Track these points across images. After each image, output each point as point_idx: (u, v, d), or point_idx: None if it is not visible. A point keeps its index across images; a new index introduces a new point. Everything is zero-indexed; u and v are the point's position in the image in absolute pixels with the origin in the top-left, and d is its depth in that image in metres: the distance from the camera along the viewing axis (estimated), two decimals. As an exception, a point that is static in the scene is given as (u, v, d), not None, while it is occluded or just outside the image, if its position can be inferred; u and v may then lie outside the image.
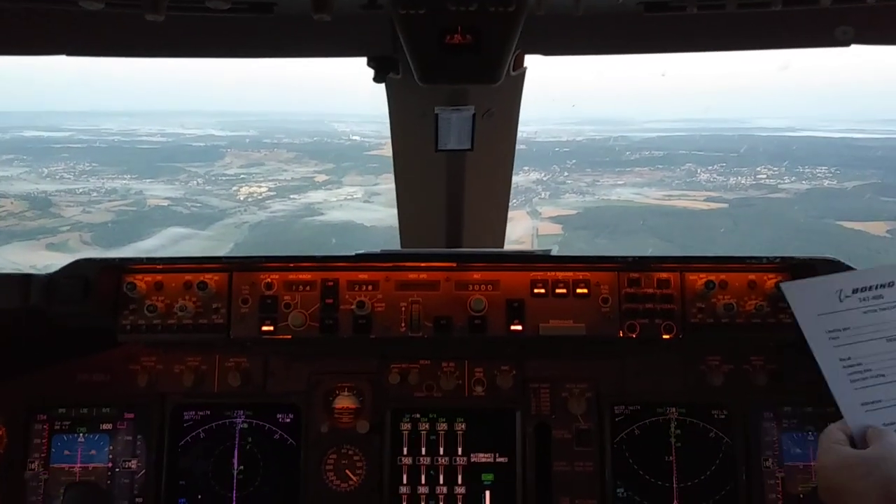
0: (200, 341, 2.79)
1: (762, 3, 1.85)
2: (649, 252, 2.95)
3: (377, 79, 2.59)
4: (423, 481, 2.84)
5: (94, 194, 31.82)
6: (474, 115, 2.75)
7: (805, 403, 2.91)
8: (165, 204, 31.02)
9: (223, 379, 2.88)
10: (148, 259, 2.79)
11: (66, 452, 2.84)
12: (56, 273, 2.73)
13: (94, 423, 2.87)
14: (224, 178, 35.22)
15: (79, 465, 2.83)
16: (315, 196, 33.27)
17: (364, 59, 2.64)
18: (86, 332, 2.83)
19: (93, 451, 2.84)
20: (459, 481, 2.85)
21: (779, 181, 31.46)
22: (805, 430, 2.92)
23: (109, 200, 31.18)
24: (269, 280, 2.79)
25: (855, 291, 1.97)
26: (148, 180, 34.37)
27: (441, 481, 2.84)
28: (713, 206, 29.87)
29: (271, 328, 2.74)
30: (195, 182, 34.49)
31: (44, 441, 2.85)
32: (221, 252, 3.16)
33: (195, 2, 1.81)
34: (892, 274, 1.99)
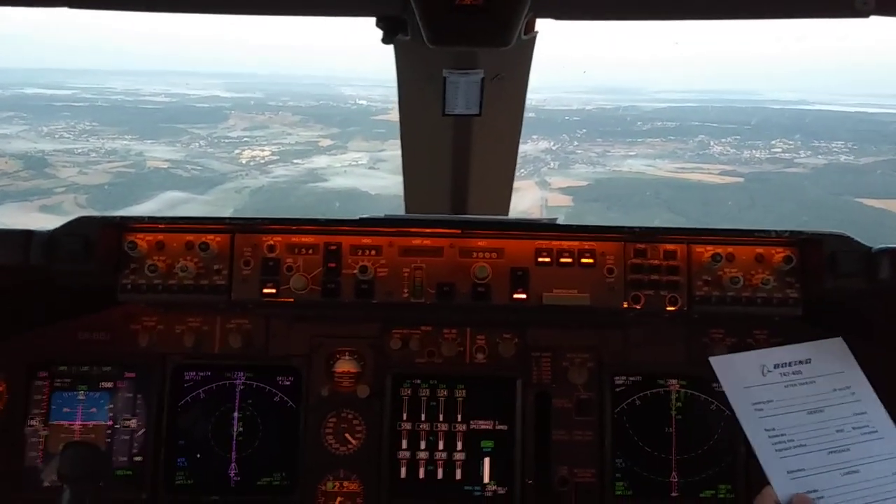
0: (201, 302, 2.83)
1: None
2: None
3: (385, 40, 2.56)
4: (422, 447, 2.91)
5: (93, 155, 31.68)
6: (483, 79, 2.73)
7: None
8: (165, 166, 30.88)
9: (224, 340, 2.93)
10: (149, 218, 2.81)
11: (66, 410, 2.92)
12: (57, 230, 2.75)
13: (95, 381, 2.94)
14: (227, 140, 35.05)
15: (79, 422, 2.91)
16: (319, 161, 33.10)
17: (373, 21, 2.62)
18: (86, 291, 2.87)
19: (93, 409, 2.92)
20: (459, 447, 2.92)
21: (794, 155, 31.07)
22: None
23: (108, 161, 31.06)
24: (271, 242, 2.81)
25: (776, 367, 2.16)
26: (149, 141, 34.21)
27: (440, 447, 2.91)
28: (728, 179, 29.57)
29: (273, 291, 2.77)
30: (197, 144, 34.35)
31: (44, 398, 2.92)
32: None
33: None
34: (809, 352, 2.19)
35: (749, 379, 2.14)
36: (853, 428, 2.07)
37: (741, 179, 29.58)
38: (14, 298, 2.92)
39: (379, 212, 2.93)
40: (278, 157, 33.37)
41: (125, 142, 34.02)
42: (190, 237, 2.79)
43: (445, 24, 2.08)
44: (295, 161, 33.05)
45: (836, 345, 2.23)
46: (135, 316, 2.97)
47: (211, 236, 2.80)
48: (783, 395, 2.10)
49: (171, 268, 2.77)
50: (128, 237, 2.78)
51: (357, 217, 2.83)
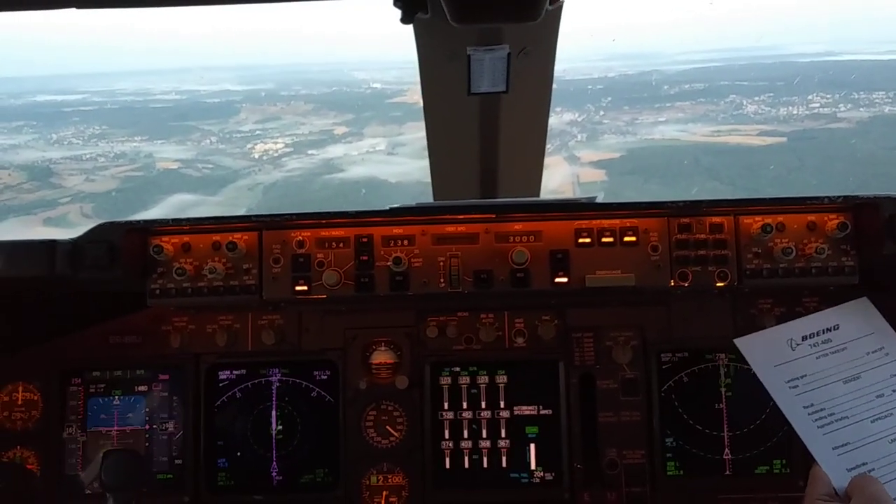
0: (232, 303, 2.91)
1: None
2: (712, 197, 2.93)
3: (405, 19, 2.54)
4: (465, 436, 2.97)
5: (102, 160, 31.97)
6: (509, 54, 2.72)
7: None
8: (175, 167, 31.08)
9: (257, 337, 3.01)
10: (174, 220, 2.88)
11: (103, 416, 3.04)
12: (80, 238, 2.83)
13: (129, 385, 3.05)
14: (238, 135, 35.24)
15: (116, 427, 3.03)
16: (334, 150, 33.08)
17: (386, 2, 2.61)
18: (115, 295, 2.97)
19: (129, 414, 3.03)
20: (503, 434, 2.97)
21: (835, 110, 30.19)
22: None
23: (116, 166, 31.32)
24: (300, 238, 2.86)
25: (804, 339, 2.18)
26: (159, 142, 34.54)
27: (484, 435, 2.97)
28: (769, 140, 28.89)
29: (305, 288, 2.83)
30: (208, 141, 34.60)
31: (80, 404, 3.04)
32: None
33: None
34: (836, 317, 2.20)
35: (778, 356, 2.15)
36: (893, 391, 2.07)
37: (784, 139, 28.86)
38: (42, 306, 3.04)
39: (402, 201, 2.96)
40: (292, 149, 33.41)
41: (134, 144, 34.37)
42: (217, 237, 2.85)
43: (470, 1, 2.04)
44: (309, 152, 33.08)
45: (862, 305, 2.23)
46: (165, 317, 3.06)
47: (238, 235, 2.86)
48: (816, 368, 2.11)
49: (200, 270, 2.84)
50: (153, 241, 2.85)
51: (387, 207, 2.86)
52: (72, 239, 2.82)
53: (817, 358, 2.12)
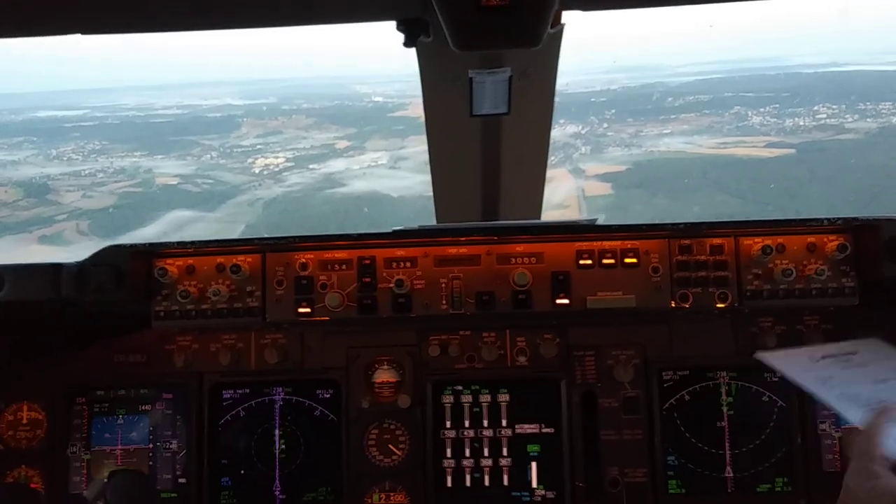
0: (236, 325, 2.98)
1: None
2: (721, 211, 2.99)
3: (407, 43, 2.60)
4: (467, 454, 3.03)
5: (100, 175, 31.93)
6: (511, 76, 2.77)
7: None
8: (175, 182, 31.05)
9: (260, 356, 3.08)
10: (178, 243, 2.97)
11: (107, 435, 3.11)
12: (86, 261, 2.91)
13: (133, 404, 3.12)
14: (239, 149, 35.36)
15: (120, 446, 3.10)
16: (336, 165, 33.14)
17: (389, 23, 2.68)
18: (119, 315, 3.05)
19: (133, 433, 3.10)
20: (505, 453, 3.03)
21: (842, 120, 30.20)
22: None
23: (115, 182, 31.27)
24: (303, 260, 2.94)
25: (824, 357, 2.23)
26: (159, 157, 34.65)
27: (486, 454, 3.02)
28: (777, 152, 28.87)
29: (308, 310, 2.90)
30: (209, 156, 34.72)
31: (84, 423, 3.11)
32: (230, 236, 3.30)
33: None
34: (852, 348, 2.24)
35: (805, 365, 2.19)
36: None
37: (792, 151, 28.84)
38: (47, 327, 3.11)
39: (405, 217, 3.02)
40: (293, 164, 33.46)
41: (134, 159, 34.45)
42: (220, 259, 2.94)
43: (472, 27, 2.09)
44: (311, 166, 33.13)
45: (876, 343, 2.27)
46: (169, 336, 3.14)
47: (242, 257, 2.94)
48: (843, 374, 2.13)
49: (204, 292, 2.92)
50: (158, 263, 2.93)
51: (390, 230, 2.94)
52: (77, 262, 2.91)
53: (842, 369, 2.16)
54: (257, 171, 32.88)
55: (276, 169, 32.94)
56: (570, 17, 2.70)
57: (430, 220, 3.71)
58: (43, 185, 30.22)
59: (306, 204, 27.92)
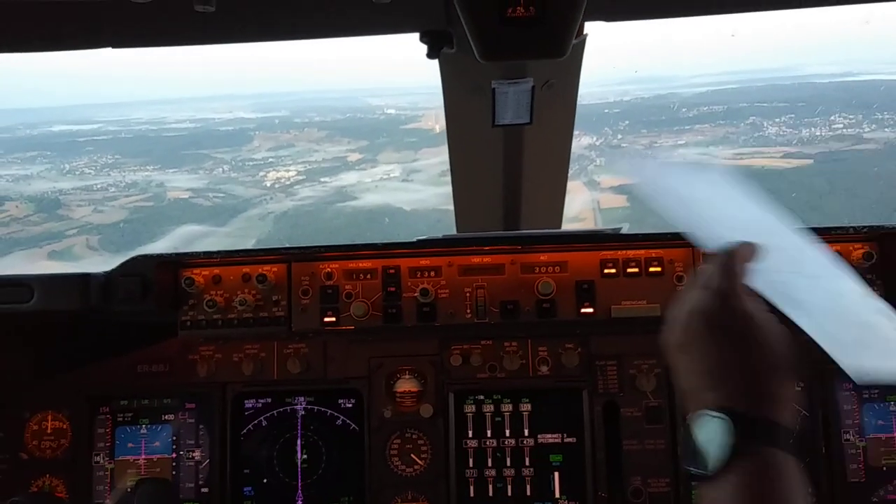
0: (262, 334, 3.04)
1: None
2: None
3: (431, 55, 2.66)
4: (489, 464, 3.06)
5: (112, 190, 32.10)
6: (533, 87, 2.82)
7: None
8: (186, 196, 31.14)
9: (283, 366, 3.14)
10: (204, 253, 3.04)
11: (130, 444, 3.16)
12: (113, 271, 2.99)
13: (156, 413, 3.18)
14: (251, 163, 35.55)
15: (143, 456, 3.15)
16: (348, 178, 33.20)
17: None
18: (143, 325, 3.12)
19: (156, 443, 3.16)
20: (527, 463, 3.06)
21: (859, 130, 29.98)
22: (887, 401, 3.01)
23: (126, 196, 31.43)
24: (328, 270, 3.00)
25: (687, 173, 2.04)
26: (171, 170, 34.89)
27: (508, 463, 3.05)
28: (795, 163, 28.66)
29: (333, 319, 2.96)
30: (220, 170, 34.93)
31: (108, 433, 3.17)
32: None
33: None
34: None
35: (663, 175, 1.97)
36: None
37: (810, 161, 28.63)
38: (72, 336, 3.19)
39: (419, 230, 3.07)
40: (304, 177, 33.54)
41: (146, 173, 34.68)
42: (246, 269, 3.00)
43: (497, 38, 2.13)
44: (322, 179, 33.20)
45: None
46: (192, 346, 3.20)
47: (267, 267, 3.01)
48: (708, 195, 1.94)
49: (230, 301, 2.99)
50: (184, 273, 3.00)
51: (414, 239, 3.00)
52: (105, 272, 2.99)
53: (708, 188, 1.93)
54: (269, 184, 32.99)
55: (288, 182, 33.04)
56: (591, 28, 2.76)
57: (445, 233, 3.75)
58: (54, 199, 30.37)
59: (318, 217, 27.92)
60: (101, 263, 3.01)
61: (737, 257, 1.60)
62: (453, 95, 3.10)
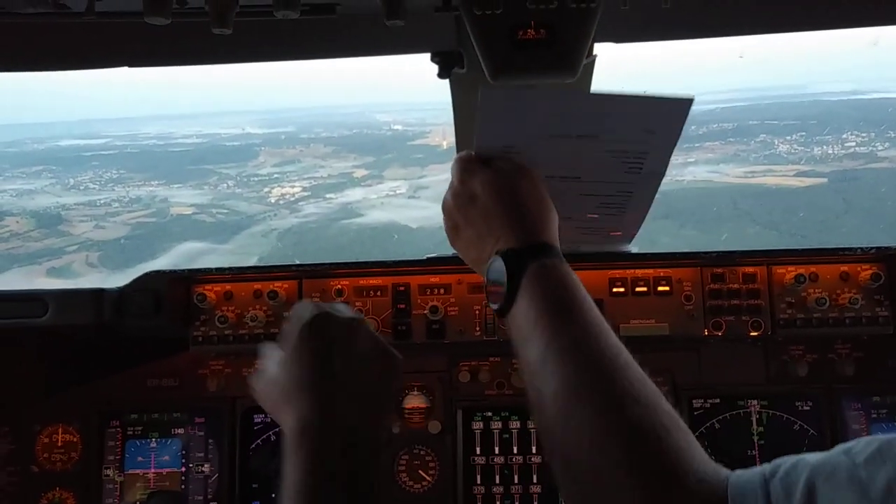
0: None
1: None
2: (755, 244, 3.06)
3: (442, 75, 2.73)
4: (497, 481, 3.10)
5: (115, 205, 32.23)
6: None
7: (895, 392, 3.04)
8: (189, 212, 31.26)
9: None
10: (217, 269, 3.12)
11: (140, 458, 3.22)
12: (126, 287, 3.07)
13: (166, 427, 3.24)
14: (256, 178, 35.80)
15: (153, 470, 3.21)
16: (353, 194, 33.31)
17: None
18: (154, 340, 3.20)
19: (166, 457, 3.22)
20: (535, 480, 3.10)
21: (871, 148, 29.98)
22: (895, 421, 3.05)
23: (129, 212, 31.52)
24: (339, 286, 3.07)
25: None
26: (175, 186, 35.12)
27: (516, 480, 3.10)
28: (809, 181, 28.62)
29: None
30: (225, 185, 35.13)
31: (118, 446, 3.24)
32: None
33: (262, 14, 2.05)
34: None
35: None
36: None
37: (824, 180, 28.58)
38: (83, 351, 3.27)
39: (425, 249, 3.14)
40: (309, 193, 33.64)
41: (151, 188, 34.86)
42: (258, 286, 3.07)
43: (508, 59, 2.20)
44: (327, 196, 33.29)
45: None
46: (202, 360, 3.27)
47: (279, 283, 3.08)
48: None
49: (241, 317, 3.06)
50: (196, 289, 3.08)
51: (424, 257, 3.07)
52: (118, 287, 3.07)
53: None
54: (273, 200, 33.11)
55: (293, 198, 33.13)
56: (601, 49, 2.85)
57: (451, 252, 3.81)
58: (56, 215, 30.49)
59: (322, 235, 27.93)
60: (99, 281, 3.10)
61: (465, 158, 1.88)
62: (464, 115, 3.18)
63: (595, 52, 2.76)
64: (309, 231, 28.72)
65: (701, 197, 28.00)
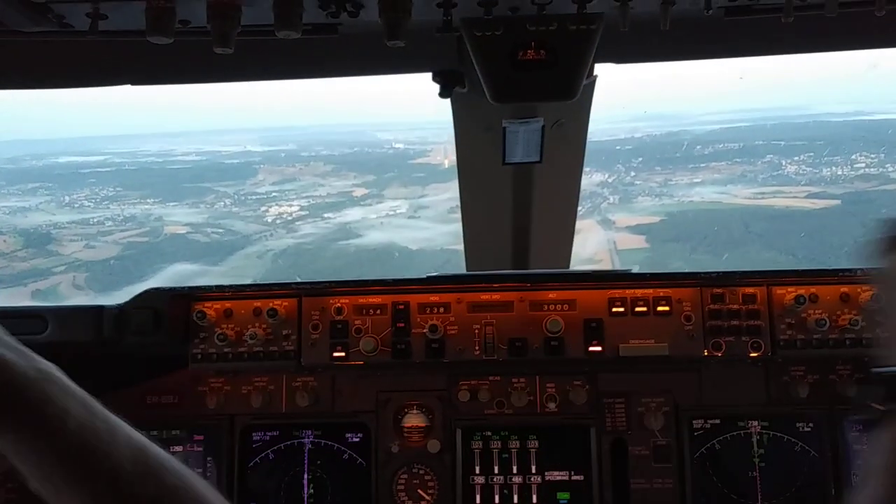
0: (270, 368, 3.19)
1: (863, 3, 1.97)
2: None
3: (443, 94, 2.84)
4: (496, 501, 3.17)
5: (108, 224, 31.92)
6: (543, 126, 2.98)
7: None
8: (184, 231, 31.00)
9: (291, 399, 3.28)
10: (217, 287, 3.21)
11: None
12: (126, 304, 3.17)
13: (164, 445, 3.28)
14: (253, 197, 35.68)
15: None
16: (352, 214, 33.15)
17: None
18: (154, 357, 3.28)
19: None
20: (534, 500, 3.17)
21: (882, 170, 29.96)
22: None
23: (122, 230, 31.24)
24: (339, 305, 3.16)
25: None
26: (171, 204, 34.96)
27: (515, 501, 3.17)
28: (821, 203, 28.49)
29: (343, 354, 3.11)
30: (222, 204, 35.01)
31: None
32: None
33: (264, 34, 2.14)
34: None
35: None
36: None
37: (837, 202, 28.40)
38: (85, 369, 3.34)
39: (427, 271, 3.22)
40: (307, 213, 33.51)
41: (146, 206, 34.68)
42: (258, 303, 3.17)
43: (509, 81, 2.28)
44: (325, 215, 33.14)
45: None
46: (202, 378, 3.35)
47: (278, 301, 3.17)
48: None
49: (241, 335, 3.14)
50: (196, 307, 3.17)
51: (424, 276, 3.16)
52: (118, 304, 3.16)
53: None
54: (270, 219, 32.93)
55: (290, 218, 32.99)
56: (601, 69, 2.95)
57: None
58: (45, 234, 30.13)
59: (319, 256, 27.67)
60: (86, 303, 3.15)
61: None
62: (464, 134, 3.28)
63: (596, 72, 2.88)
64: (305, 252, 28.48)
65: (711, 218, 27.82)
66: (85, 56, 2.67)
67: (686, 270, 3.12)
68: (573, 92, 2.38)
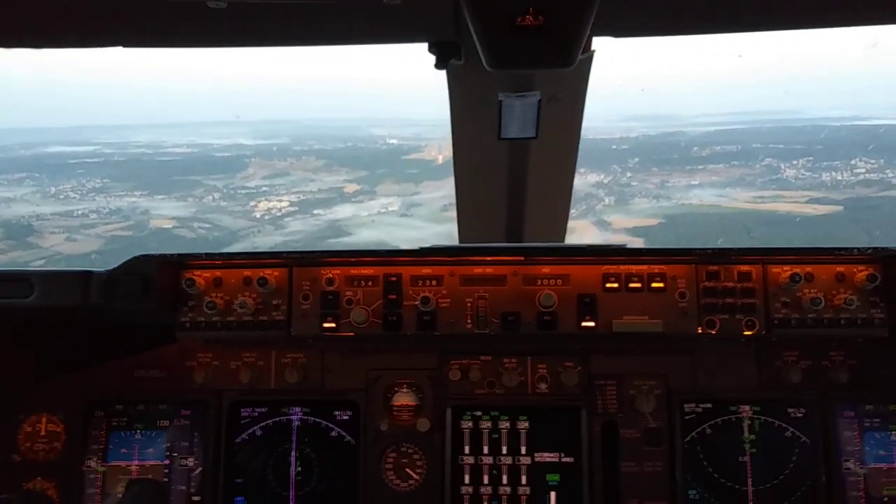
0: (260, 338, 3.22)
1: None
2: None
3: (439, 65, 2.85)
4: (485, 481, 3.21)
5: (93, 216, 31.66)
6: (540, 101, 2.99)
7: (889, 401, 3.16)
8: (169, 226, 30.83)
9: (280, 375, 3.31)
10: (206, 255, 3.23)
11: (123, 450, 3.33)
12: (115, 270, 3.18)
13: (151, 419, 3.34)
14: (243, 191, 35.51)
15: (136, 461, 3.32)
16: (342, 211, 33.02)
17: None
18: (144, 328, 3.30)
19: (150, 449, 3.32)
20: (523, 482, 3.21)
21: (883, 175, 30.07)
22: (888, 430, 3.17)
23: (105, 224, 31.04)
24: (330, 275, 3.19)
25: None
26: (159, 197, 34.78)
27: (504, 481, 3.20)
28: (823, 209, 28.52)
29: (333, 325, 3.12)
30: (210, 197, 34.85)
31: (101, 436, 3.34)
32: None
33: None
34: None
35: None
36: None
37: (840, 208, 28.43)
38: (72, 337, 3.37)
39: None
40: (297, 208, 33.38)
41: (133, 199, 34.44)
42: (248, 272, 3.19)
43: (506, 47, 2.30)
44: (315, 212, 33.01)
45: None
46: (190, 352, 3.37)
47: (269, 271, 3.20)
48: None
49: (230, 304, 3.17)
50: (185, 274, 3.19)
51: (418, 247, 3.19)
52: (107, 270, 3.18)
53: None
54: (258, 215, 32.79)
55: (279, 213, 32.82)
56: (599, 45, 2.97)
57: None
58: (27, 225, 29.91)
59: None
60: None
61: None
62: (460, 107, 3.31)
63: (593, 47, 2.91)
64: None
65: (711, 222, 27.77)
66: (77, 16, 2.67)
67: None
68: (570, 59, 2.41)
